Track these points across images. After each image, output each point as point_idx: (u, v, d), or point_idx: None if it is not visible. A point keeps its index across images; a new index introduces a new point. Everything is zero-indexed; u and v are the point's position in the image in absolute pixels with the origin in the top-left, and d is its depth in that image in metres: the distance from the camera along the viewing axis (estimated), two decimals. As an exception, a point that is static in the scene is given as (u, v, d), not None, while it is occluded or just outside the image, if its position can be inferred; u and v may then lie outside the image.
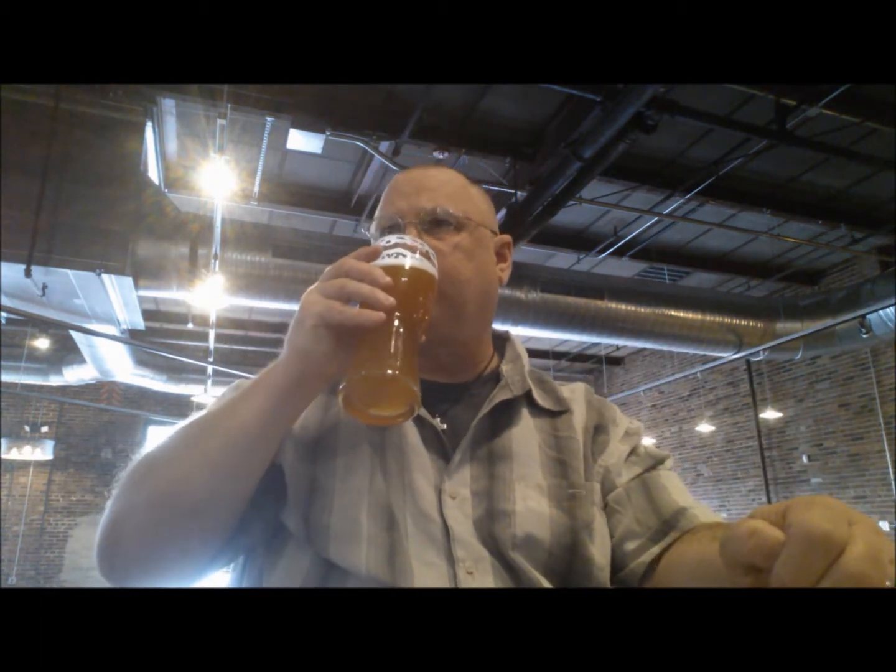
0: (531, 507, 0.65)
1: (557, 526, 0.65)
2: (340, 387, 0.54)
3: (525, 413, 0.74)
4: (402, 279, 0.59)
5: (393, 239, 0.62)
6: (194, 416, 0.62)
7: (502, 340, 0.83)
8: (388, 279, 0.56)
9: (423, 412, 0.69)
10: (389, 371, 0.54)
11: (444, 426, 0.70)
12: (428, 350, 0.74)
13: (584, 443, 0.74)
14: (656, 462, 0.75)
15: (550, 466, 0.70)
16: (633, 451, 0.76)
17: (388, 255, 0.60)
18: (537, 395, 0.76)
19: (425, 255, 0.62)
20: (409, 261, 0.60)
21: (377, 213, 0.77)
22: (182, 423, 0.61)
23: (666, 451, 0.78)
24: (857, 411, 7.08)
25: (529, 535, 0.63)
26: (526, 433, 0.72)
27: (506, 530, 0.63)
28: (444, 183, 0.76)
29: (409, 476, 0.65)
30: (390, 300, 0.55)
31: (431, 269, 0.62)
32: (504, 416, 0.72)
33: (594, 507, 0.69)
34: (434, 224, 0.71)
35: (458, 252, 0.71)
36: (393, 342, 0.56)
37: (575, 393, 0.80)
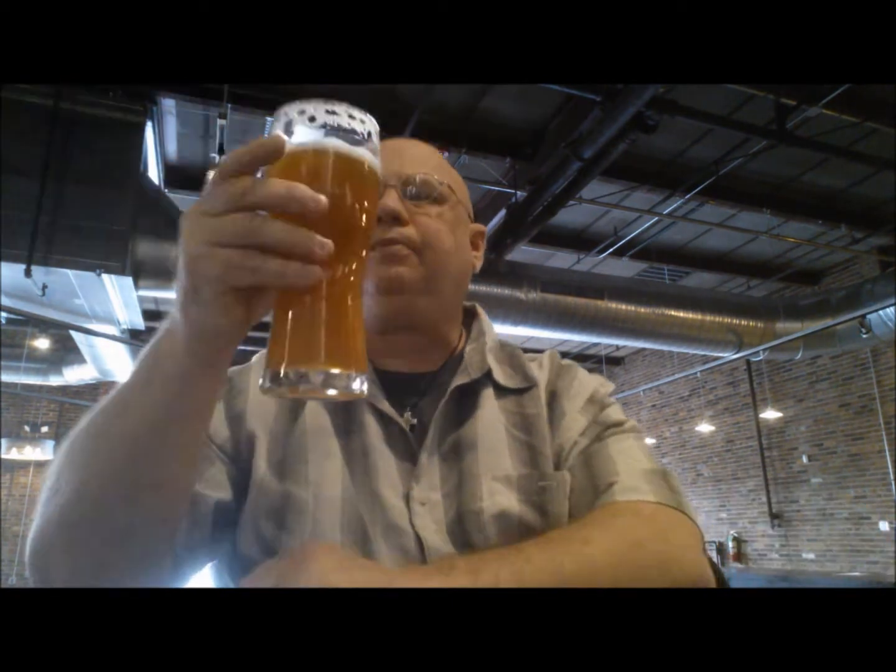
0: (499, 502, 0.62)
1: (527, 523, 0.62)
2: (265, 372, 0.41)
3: (489, 394, 0.70)
4: (336, 181, 0.41)
5: (307, 109, 0.42)
6: (101, 403, 0.49)
7: (469, 318, 0.78)
8: (317, 199, 0.38)
9: (388, 409, 0.65)
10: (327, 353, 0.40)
11: (415, 421, 0.67)
12: (392, 332, 0.68)
13: (546, 418, 0.69)
14: (603, 429, 0.68)
15: (519, 452, 0.66)
16: (592, 422, 0.69)
17: (303, 132, 0.41)
18: (500, 375, 0.71)
19: (362, 135, 0.43)
20: (336, 144, 0.41)
21: None
22: (90, 414, 0.50)
23: (624, 416, 0.71)
24: (857, 411, 7.08)
25: (500, 535, 0.60)
26: (491, 416, 0.68)
27: (478, 534, 0.60)
28: (429, 154, 0.73)
29: (377, 485, 0.62)
30: (327, 245, 0.38)
31: (374, 160, 0.44)
32: (467, 400, 0.68)
33: (566, 499, 0.64)
34: (418, 192, 0.68)
35: (440, 222, 0.68)
36: (330, 300, 0.41)
37: (543, 365, 0.76)
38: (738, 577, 6.59)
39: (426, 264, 0.66)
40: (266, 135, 0.43)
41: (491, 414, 0.68)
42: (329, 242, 0.38)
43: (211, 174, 0.40)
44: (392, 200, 0.66)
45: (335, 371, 0.40)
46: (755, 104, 4.39)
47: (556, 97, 4.39)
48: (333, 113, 0.42)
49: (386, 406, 0.66)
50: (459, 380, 0.68)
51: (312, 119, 0.42)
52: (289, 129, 0.42)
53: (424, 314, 0.67)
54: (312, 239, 0.38)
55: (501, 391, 0.71)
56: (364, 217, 0.43)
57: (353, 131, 0.43)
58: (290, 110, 0.42)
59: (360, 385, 0.41)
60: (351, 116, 0.43)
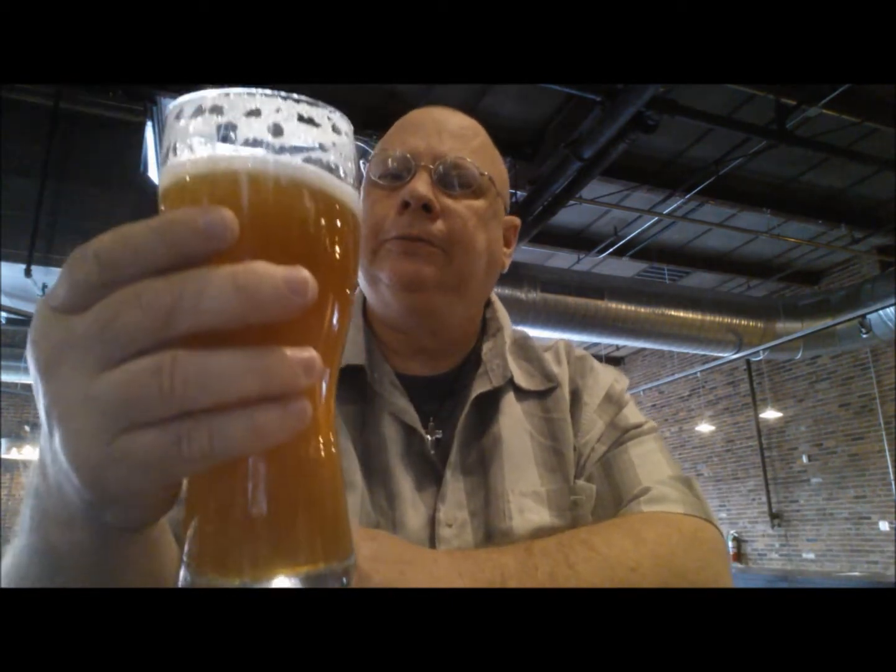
0: (530, 519, 0.59)
1: None
2: (186, 552, 0.28)
3: (511, 398, 0.66)
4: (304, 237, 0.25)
5: (219, 106, 0.25)
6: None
7: (484, 307, 0.72)
8: (300, 281, 0.22)
9: (414, 422, 0.61)
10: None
11: (440, 433, 0.63)
12: (410, 330, 0.64)
13: (570, 421, 0.67)
14: (621, 434, 0.66)
15: (546, 460, 0.64)
16: (609, 425, 0.67)
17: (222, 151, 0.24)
18: (521, 378, 0.67)
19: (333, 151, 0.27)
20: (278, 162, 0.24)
21: (377, 151, 0.62)
22: None
23: (643, 417, 0.68)
24: (857, 411, 7.08)
25: None
26: (514, 423, 0.65)
27: None
28: (472, 134, 0.63)
29: (399, 513, 0.58)
30: (316, 364, 0.23)
31: (352, 192, 0.28)
32: (489, 407, 0.64)
33: (591, 509, 0.63)
34: (454, 178, 0.59)
35: (475, 219, 0.60)
36: (301, 445, 0.27)
37: (560, 359, 0.71)
38: (738, 577, 6.59)
39: (453, 265, 0.59)
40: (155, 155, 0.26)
41: (514, 420, 0.65)
42: (315, 357, 0.23)
43: (70, 272, 0.24)
44: (423, 185, 0.58)
45: (319, 568, 0.27)
46: (755, 104, 4.39)
47: (556, 97, 4.40)
48: (258, 113, 0.24)
49: (412, 419, 0.61)
50: (480, 387, 0.64)
51: (230, 129, 0.24)
52: (188, 146, 0.24)
53: (445, 315, 0.62)
54: (293, 362, 0.22)
55: (523, 393, 0.67)
56: (348, 293, 0.28)
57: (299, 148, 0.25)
58: (186, 109, 0.24)
59: (349, 580, 0.28)
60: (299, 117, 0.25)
